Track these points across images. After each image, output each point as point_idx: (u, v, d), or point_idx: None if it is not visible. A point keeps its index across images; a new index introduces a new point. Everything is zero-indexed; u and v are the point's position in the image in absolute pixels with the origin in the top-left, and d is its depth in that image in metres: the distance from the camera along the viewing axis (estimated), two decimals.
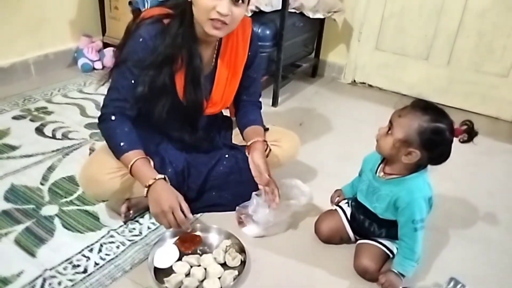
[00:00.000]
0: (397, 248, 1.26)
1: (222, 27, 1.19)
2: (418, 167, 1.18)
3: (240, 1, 1.18)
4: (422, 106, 1.14)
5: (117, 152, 1.24)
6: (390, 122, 1.16)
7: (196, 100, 1.35)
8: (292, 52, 2.40)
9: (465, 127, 1.15)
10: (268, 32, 2.14)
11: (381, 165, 1.24)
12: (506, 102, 2.36)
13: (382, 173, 1.22)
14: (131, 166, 1.21)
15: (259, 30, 2.12)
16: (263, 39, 2.13)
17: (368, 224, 1.27)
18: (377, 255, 1.24)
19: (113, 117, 1.25)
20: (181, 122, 1.41)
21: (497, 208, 1.64)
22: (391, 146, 1.14)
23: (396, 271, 1.18)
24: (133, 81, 1.24)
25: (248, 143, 1.41)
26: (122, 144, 1.23)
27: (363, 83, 2.76)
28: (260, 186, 1.35)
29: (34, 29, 2.41)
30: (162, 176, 1.21)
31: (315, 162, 1.81)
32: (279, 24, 2.14)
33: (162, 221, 1.20)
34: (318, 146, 1.98)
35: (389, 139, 1.14)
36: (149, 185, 1.19)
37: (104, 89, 1.31)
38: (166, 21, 1.25)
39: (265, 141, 1.41)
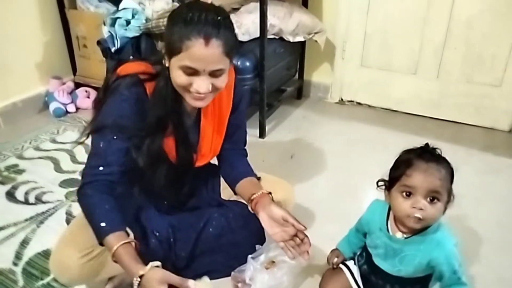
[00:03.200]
0: None
1: (205, 98, 1.09)
2: None
3: (223, 72, 1.07)
4: (431, 156, 1.03)
5: (99, 234, 1.08)
6: (429, 192, 1.00)
7: (187, 158, 1.25)
8: (275, 79, 2.28)
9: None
10: (248, 63, 2.02)
11: (389, 223, 1.11)
12: (500, 111, 2.27)
13: (399, 233, 1.09)
14: (113, 253, 1.04)
15: (239, 63, 2.00)
16: (244, 71, 2.01)
17: (389, 287, 1.15)
18: None
19: (91, 191, 1.09)
20: (168, 181, 1.27)
21: (509, 239, 1.54)
22: (442, 211, 1.03)
23: None
24: (118, 147, 1.10)
25: (252, 198, 1.25)
26: (103, 225, 1.07)
27: (351, 101, 2.65)
28: (281, 244, 1.19)
29: None
30: (147, 268, 1.02)
31: (311, 203, 1.69)
32: (259, 54, 2.02)
33: None
34: (312, 182, 1.86)
35: (440, 207, 1.02)
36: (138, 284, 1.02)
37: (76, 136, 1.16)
38: (146, 82, 1.12)
39: (270, 193, 1.27)
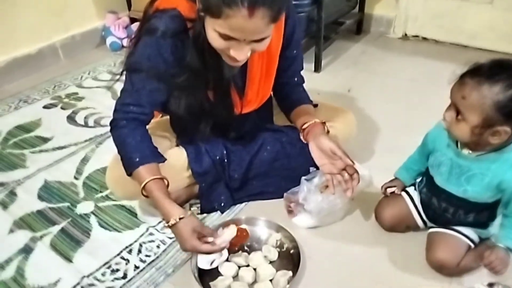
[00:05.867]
0: (480, 237, 1.07)
1: (243, 61, 1.00)
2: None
3: (265, 38, 0.95)
4: (484, 73, 0.88)
5: (129, 165, 1.07)
6: (454, 105, 0.92)
7: (227, 114, 1.21)
8: (333, 9, 2.14)
9: None
10: None
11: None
12: None
13: (467, 150, 0.99)
14: (144, 186, 1.04)
15: None
16: None
17: (453, 212, 1.06)
18: (456, 246, 1.05)
19: (123, 123, 1.08)
20: (212, 131, 1.24)
21: None
22: (470, 134, 0.91)
23: (503, 246, 0.99)
24: (152, 87, 1.07)
25: (304, 126, 1.20)
26: (134, 156, 1.06)
27: (416, 36, 2.45)
28: (327, 176, 1.15)
29: (57, 11, 2.28)
30: (181, 215, 1.01)
31: (370, 136, 1.60)
32: None
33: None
34: (371, 116, 1.75)
35: (463, 127, 0.91)
36: (171, 225, 1.02)
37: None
38: (187, 21, 1.02)
39: (324, 122, 1.21)
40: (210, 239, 1.03)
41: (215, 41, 0.95)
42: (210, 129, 1.22)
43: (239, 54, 0.95)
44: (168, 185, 1.08)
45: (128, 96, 1.09)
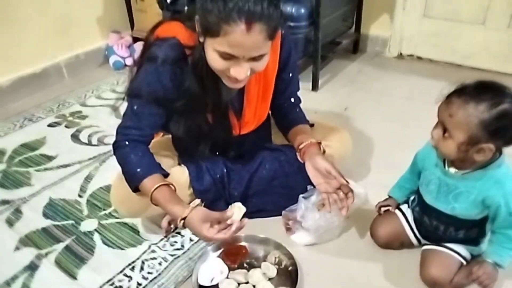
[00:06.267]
0: (472, 255, 1.11)
1: (243, 81, 1.04)
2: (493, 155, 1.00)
3: (264, 55, 1.00)
4: (470, 92, 0.93)
5: (133, 180, 1.11)
6: (442, 123, 0.97)
7: (226, 136, 1.26)
8: (330, 29, 2.21)
9: None
10: (303, 10, 1.96)
11: (447, 160, 1.06)
12: None
13: (454, 168, 1.04)
14: (151, 196, 1.08)
15: (293, 10, 1.94)
16: (298, 19, 1.96)
17: (444, 229, 1.10)
18: (449, 263, 1.09)
19: (125, 143, 1.13)
20: (212, 151, 1.29)
21: None
22: (456, 150, 0.96)
23: (491, 262, 1.03)
24: (152, 112, 1.12)
25: (300, 146, 1.25)
26: (137, 171, 1.10)
27: (411, 55, 2.51)
28: (323, 195, 1.19)
29: (62, 30, 2.35)
30: (188, 210, 1.05)
31: (367, 154, 1.65)
32: (315, 0, 1.95)
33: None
34: (367, 134, 1.80)
35: (450, 144, 0.96)
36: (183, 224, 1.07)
37: None
38: (187, 49, 1.08)
39: (319, 142, 1.25)
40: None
41: (216, 62, 1.00)
42: (209, 150, 1.27)
43: (239, 72, 0.99)
44: (175, 189, 1.12)
45: (128, 120, 1.14)
